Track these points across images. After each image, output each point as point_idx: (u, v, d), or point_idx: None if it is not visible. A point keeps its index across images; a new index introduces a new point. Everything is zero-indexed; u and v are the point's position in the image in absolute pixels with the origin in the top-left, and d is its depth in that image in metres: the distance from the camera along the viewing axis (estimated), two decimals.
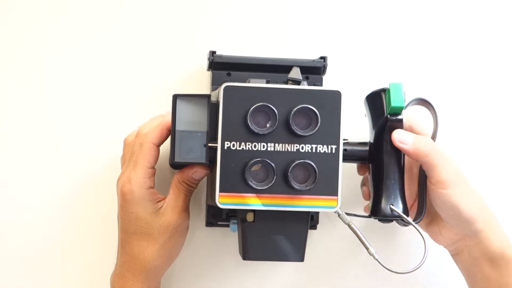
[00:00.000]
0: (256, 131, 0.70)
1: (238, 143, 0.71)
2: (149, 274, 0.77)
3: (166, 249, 0.77)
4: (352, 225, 0.74)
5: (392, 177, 0.76)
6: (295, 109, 0.70)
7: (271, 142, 0.71)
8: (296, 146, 0.72)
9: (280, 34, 0.88)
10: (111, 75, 0.86)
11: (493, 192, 0.85)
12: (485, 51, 0.89)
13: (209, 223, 0.84)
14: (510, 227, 0.79)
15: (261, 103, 0.70)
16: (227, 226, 0.83)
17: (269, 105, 0.70)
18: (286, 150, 0.72)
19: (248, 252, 0.73)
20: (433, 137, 0.78)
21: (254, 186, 0.70)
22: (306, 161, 0.70)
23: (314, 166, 0.70)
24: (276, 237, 0.73)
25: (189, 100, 0.74)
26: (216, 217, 0.83)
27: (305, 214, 0.73)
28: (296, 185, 0.70)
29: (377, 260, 0.73)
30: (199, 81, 0.87)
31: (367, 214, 0.78)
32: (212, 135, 0.73)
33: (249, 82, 0.74)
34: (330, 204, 0.72)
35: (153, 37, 0.86)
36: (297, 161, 0.70)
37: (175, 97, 0.74)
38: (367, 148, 0.78)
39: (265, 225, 0.73)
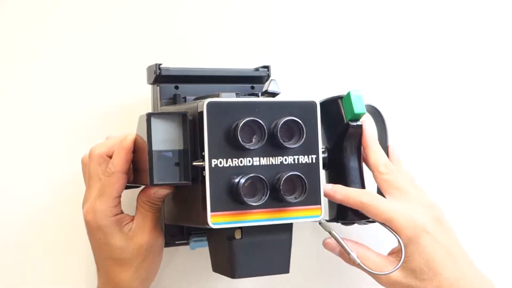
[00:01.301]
0: (247, 146, 0.69)
1: (225, 160, 0.70)
2: None
3: (141, 271, 0.75)
4: (334, 232, 0.75)
5: (357, 181, 0.79)
6: (282, 122, 0.70)
7: (256, 157, 0.71)
8: (280, 159, 0.72)
9: (215, 44, 0.87)
10: (52, 95, 0.82)
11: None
12: (424, 53, 0.91)
13: (167, 244, 0.81)
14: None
15: (249, 118, 0.69)
16: (186, 244, 0.81)
17: (258, 119, 0.69)
18: (270, 163, 0.71)
19: (238, 270, 0.72)
20: (384, 145, 0.81)
21: (249, 202, 0.69)
22: (296, 173, 0.71)
23: (304, 178, 0.71)
24: (264, 252, 0.72)
25: (164, 118, 0.71)
26: (176, 236, 0.81)
27: (289, 225, 0.73)
28: (288, 198, 0.70)
29: (359, 263, 0.75)
30: (140, 96, 0.84)
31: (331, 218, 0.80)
32: (192, 153, 0.70)
33: (219, 96, 0.72)
34: (314, 213, 0.73)
35: (90, 52, 0.82)
36: (288, 174, 0.70)
37: (150, 116, 0.70)
38: (326, 155, 0.80)
39: (252, 240, 0.72)
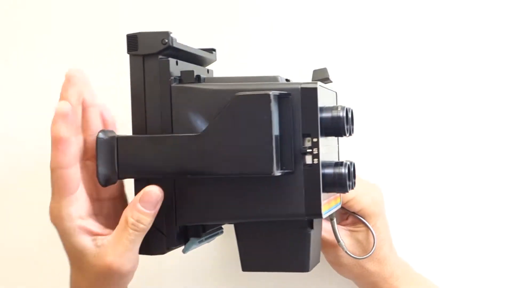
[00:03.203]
0: (347, 132, 0.67)
1: (323, 147, 0.67)
2: None
3: None
4: (334, 220, 0.77)
5: None
6: (350, 109, 0.71)
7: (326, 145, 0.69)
8: (329, 147, 0.71)
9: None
10: None
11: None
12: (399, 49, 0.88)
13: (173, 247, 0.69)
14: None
15: (346, 105, 0.68)
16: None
17: (346, 106, 0.69)
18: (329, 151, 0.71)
19: (311, 261, 0.69)
20: None
21: (348, 187, 0.67)
22: (349, 160, 0.71)
23: (354, 163, 0.72)
24: (314, 241, 0.71)
25: (277, 99, 0.64)
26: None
27: None
28: (350, 183, 0.71)
29: (346, 251, 0.78)
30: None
31: None
32: (291, 139, 0.65)
33: (278, 80, 0.69)
34: (338, 201, 0.75)
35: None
36: (351, 161, 0.71)
37: (273, 96, 0.62)
38: None
39: (315, 230, 0.70)
